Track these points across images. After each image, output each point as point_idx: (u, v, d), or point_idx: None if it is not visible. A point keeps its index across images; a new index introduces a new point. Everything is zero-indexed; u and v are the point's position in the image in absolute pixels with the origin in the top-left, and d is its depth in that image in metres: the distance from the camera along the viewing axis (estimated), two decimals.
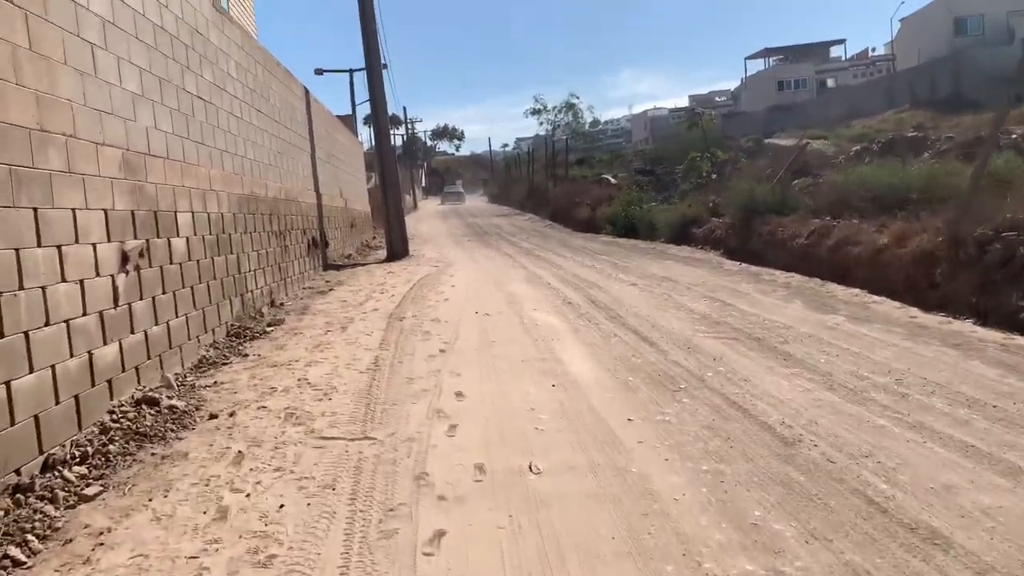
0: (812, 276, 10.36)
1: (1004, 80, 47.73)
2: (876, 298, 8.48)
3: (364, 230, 21.08)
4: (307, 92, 13.84)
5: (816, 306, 8.21)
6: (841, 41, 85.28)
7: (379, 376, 5.85)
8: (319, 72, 32.59)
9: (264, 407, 5.14)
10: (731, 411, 4.77)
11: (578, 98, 43.19)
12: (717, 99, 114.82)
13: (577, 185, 30.82)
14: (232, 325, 7.68)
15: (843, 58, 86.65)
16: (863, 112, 55.92)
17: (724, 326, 7.42)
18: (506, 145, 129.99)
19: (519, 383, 5.58)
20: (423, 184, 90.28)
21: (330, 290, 11.07)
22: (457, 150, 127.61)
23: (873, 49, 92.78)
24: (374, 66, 14.97)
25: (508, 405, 5.05)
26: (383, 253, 16.56)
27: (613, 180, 39.95)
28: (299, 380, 5.80)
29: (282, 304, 9.59)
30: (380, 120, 15.27)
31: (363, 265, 14.95)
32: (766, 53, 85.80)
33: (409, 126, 77.10)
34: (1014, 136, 14.06)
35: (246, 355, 6.82)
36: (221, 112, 8.06)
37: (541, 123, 44.07)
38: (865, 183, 12.04)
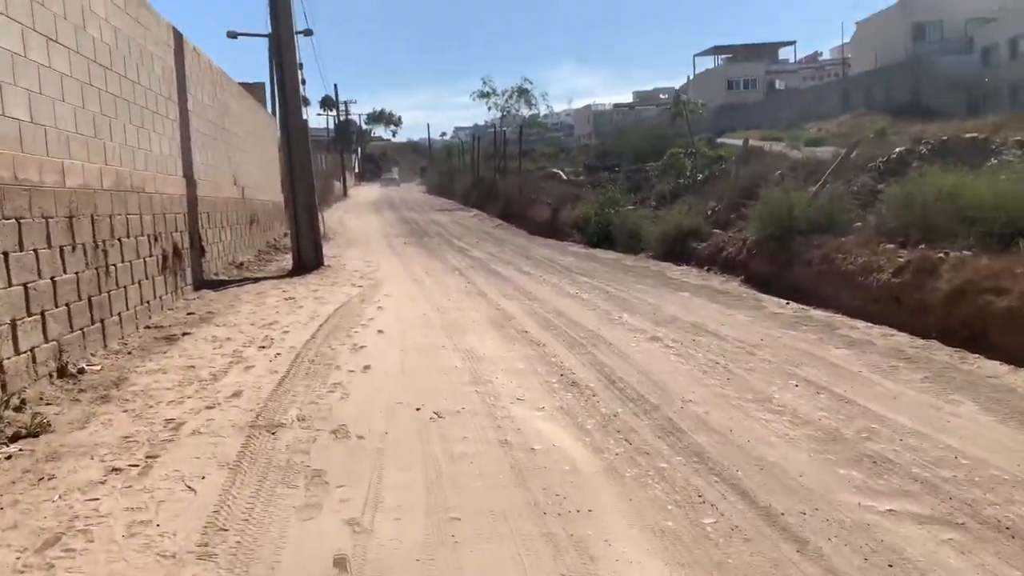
0: (919, 335, 6.91)
1: (965, 88, 46.09)
2: None
3: (271, 226, 16.90)
4: (179, 36, 9.72)
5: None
6: (791, 43, 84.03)
7: None
8: (233, 35, 27.65)
9: None
10: None
11: (531, 83, 39.28)
12: (661, 96, 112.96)
13: (531, 180, 27.18)
14: None
15: (792, 60, 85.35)
16: (814, 115, 53.99)
17: (915, 483, 3.76)
18: (444, 133, 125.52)
19: None
20: (356, 170, 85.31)
21: (184, 334, 7.06)
22: (394, 136, 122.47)
23: (820, 53, 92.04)
24: (280, 3, 10.92)
25: None
26: (290, 260, 12.51)
27: (564, 175, 36.77)
28: None
29: (80, 372, 5.56)
30: (287, 81, 11.23)
31: (256, 280, 10.91)
32: (715, 51, 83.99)
33: (343, 107, 72.07)
34: None
35: None
36: None
37: (489, 108, 40.00)
38: (956, 196, 8.71)
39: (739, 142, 37.40)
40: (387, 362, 6.04)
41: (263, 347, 6.47)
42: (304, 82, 29.72)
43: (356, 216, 28.73)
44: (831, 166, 10.99)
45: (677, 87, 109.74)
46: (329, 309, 8.48)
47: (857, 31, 62.28)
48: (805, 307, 8.48)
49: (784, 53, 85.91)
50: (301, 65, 29.72)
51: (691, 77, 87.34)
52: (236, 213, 12.87)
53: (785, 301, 8.86)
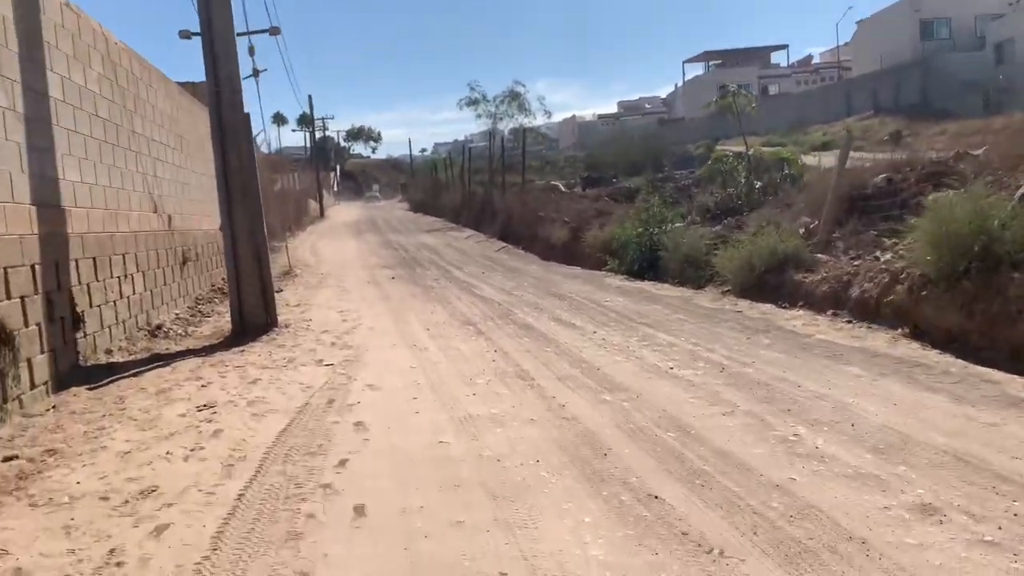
0: None
1: (979, 87, 43.01)
2: None
3: (220, 262, 13.09)
4: None
5: None
6: (783, 47, 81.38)
7: None
8: (186, 35, 23.95)
9: None
10: None
11: (524, 86, 35.53)
12: (647, 106, 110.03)
13: (534, 195, 23.61)
14: None
15: (784, 64, 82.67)
16: (814, 119, 50.90)
17: None
18: (424, 150, 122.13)
19: None
20: (335, 188, 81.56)
21: None
22: (373, 152, 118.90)
23: (811, 57, 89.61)
24: None
25: None
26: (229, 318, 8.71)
27: (563, 188, 33.63)
28: None
29: None
30: (218, 54, 7.47)
31: (169, 359, 7.13)
32: (706, 57, 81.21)
33: (319, 124, 68.22)
34: None
35: None
36: None
37: (479, 115, 36.21)
38: None
39: (738, 149, 34.00)
40: None
41: None
42: (256, 72, 25.23)
43: (333, 240, 24.93)
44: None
45: (663, 95, 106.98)
46: (268, 435, 4.74)
47: (858, 31, 59.40)
48: None
49: (776, 58, 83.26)
50: (252, 50, 25.47)
51: (678, 85, 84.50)
52: (157, 252, 9.13)
53: None
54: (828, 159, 19.14)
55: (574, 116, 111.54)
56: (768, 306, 8.92)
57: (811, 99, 59.76)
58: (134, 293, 8.10)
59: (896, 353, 6.37)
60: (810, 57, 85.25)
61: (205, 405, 5.40)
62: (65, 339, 6.18)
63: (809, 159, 20.36)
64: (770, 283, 9.60)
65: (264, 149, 52.35)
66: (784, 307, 8.81)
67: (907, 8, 51.55)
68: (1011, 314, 6.14)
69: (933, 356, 6.22)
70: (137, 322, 8.14)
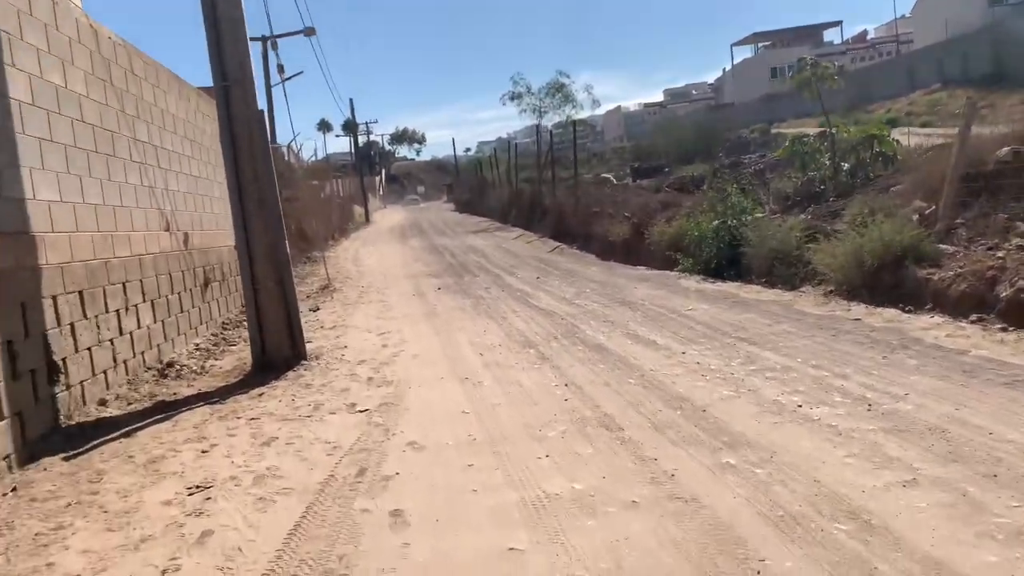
0: None
1: None
2: None
3: None
4: None
5: None
6: (837, 23, 78.06)
7: None
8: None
9: None
10: None
11: (568, 77, 34.18)
12: (694, 92, 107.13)
13: (587, 189, 22.15)
14: None
15: (837, 42, 79.33)
16: (875, 96, 48.13)
17: None
18: (468, 149, 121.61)
19: None
20: (381, 192, 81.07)
21: None
22: (418, 154, 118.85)
23: (867, 32, 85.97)
24: None
25: None
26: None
27: (614, 180, 32.34)
28: None
29: None
30: (225, 44, 6.25)
31: (173, 409, 5.93)
32: (755, 39, 78.50)
33: (363, 128, 67.58)
34: None
35: None
36: None
37: (523, 110, 35.10)
38: None
39: (795, 131, 31.73)
40: None
41: None
42: (282, 70, 24.10)
43: (376, 247, 23.81)
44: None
45: (711, 81, 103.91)
46: (272, 538, 3.45)
47: (919, 1, 56.27)
48: None
49: (829, 35, 79.99)
50: (275, 45, 24.64)
51: (727, 69, 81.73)
52: (170, 276, 7.99)
53: None
54: (914, 138, 17.34)
55: (619, 107, 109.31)
56: (891, 311, 7.36)
57: (870, 76, 56.75)
58: (139, 327, 6.94)
59: None
60: (865, 33, 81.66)
61: (198, 486, 4.15)
62: (38, 396, 5.02)
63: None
64: (885, 282, 8.03)
65: (305, 155, 51.81)
66: (910, 311, 7.25)
67: None
68: None
69: None
70: (144, 360, 6.99)
